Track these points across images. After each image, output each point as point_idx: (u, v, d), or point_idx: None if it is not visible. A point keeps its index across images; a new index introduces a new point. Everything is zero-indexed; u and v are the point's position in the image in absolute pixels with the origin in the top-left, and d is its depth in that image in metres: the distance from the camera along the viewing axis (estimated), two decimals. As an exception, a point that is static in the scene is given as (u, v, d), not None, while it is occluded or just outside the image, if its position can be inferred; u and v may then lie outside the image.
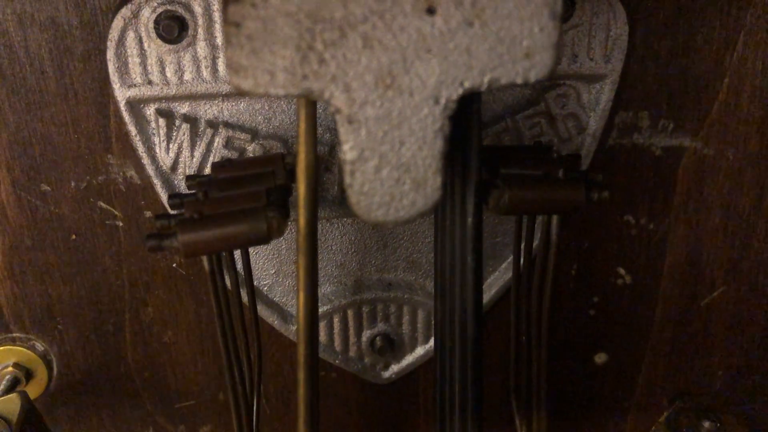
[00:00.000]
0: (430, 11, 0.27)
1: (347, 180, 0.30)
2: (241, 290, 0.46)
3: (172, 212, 0.43)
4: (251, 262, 0.49)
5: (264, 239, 0.37)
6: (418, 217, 0.31)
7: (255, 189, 0.39)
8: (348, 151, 0.29)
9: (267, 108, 0.46)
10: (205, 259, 0.39)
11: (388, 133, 0.29)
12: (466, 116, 0.34)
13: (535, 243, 0.46)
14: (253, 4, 0.26)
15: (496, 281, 0.52)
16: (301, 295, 0.36)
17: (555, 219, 0.40)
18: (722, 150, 0.50)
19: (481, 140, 0.36)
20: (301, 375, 0.37)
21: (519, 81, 0.28)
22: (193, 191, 0.41)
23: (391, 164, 0.29)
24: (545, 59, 0.28)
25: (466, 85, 0.28)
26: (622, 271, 0.54)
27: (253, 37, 0.27)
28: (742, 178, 0.50)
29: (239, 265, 0.46)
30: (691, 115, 0.48)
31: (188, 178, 0.43)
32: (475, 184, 0.35)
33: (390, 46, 0.27)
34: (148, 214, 0.49)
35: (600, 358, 0.57)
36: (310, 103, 0.32)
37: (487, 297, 0.52)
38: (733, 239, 0.52)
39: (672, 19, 0.46)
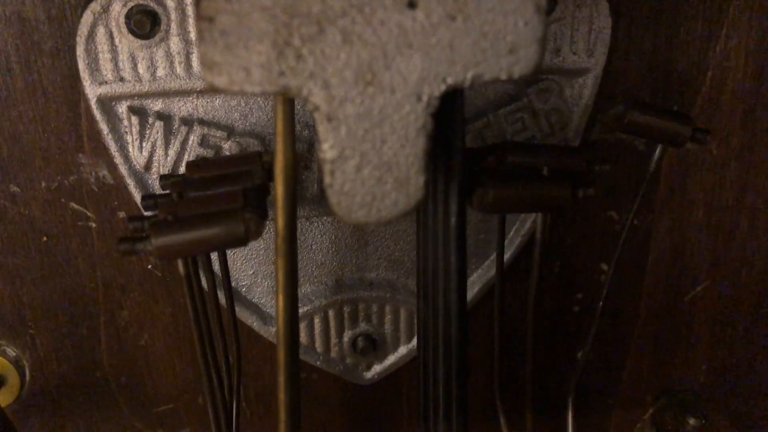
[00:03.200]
0: (411, 5, 0.26)
1: (327, 180, 0.29)
2: (218, 292, 0.45)
3: (145, 213, 0.42)
4: (229, 263, 0.48)
5: (241, 242, 0.36)
6: (401, 217, 0.30)
7: (231, 189, 0.38)
8: (328, 150, 0.28)
9: (243, 105, 0.45)
10: (180, 262, 0.38)
11: (369, 131, 0.28)
12: (449, 113, 0.33)
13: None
14: (227, -3, 0.25)
15: (479, 279, 0.52)
16: (281, 296, 0.35)
17: (540, 217, 0.40)
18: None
19: (465, 138, 0.35)
20: (282, 377, 0.37)
21: (503, 77, 0.28)
22: (168, 191, 0.40)
23: (373, 163, 0.29)
24: (530, 54, 0.27)
25: (449, 81, 0.28)
26: (605, 266, 0.53)
27: (227, 33, 0.26)
28: (725, 173, 0.50)
29: (216, 266, 0.45)
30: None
31: (162, 177, 0.42)
32: (458, 182, 0.34)
33: (370, 42, 0.27)
34: (122, 214, 0.48)
35: (584, 354, 0.56)
36: (288, 100, 0.31)
37: (470, 295, 0.51)
38: (717, 234, 0.52)
39: (655, 12, 0.45)
